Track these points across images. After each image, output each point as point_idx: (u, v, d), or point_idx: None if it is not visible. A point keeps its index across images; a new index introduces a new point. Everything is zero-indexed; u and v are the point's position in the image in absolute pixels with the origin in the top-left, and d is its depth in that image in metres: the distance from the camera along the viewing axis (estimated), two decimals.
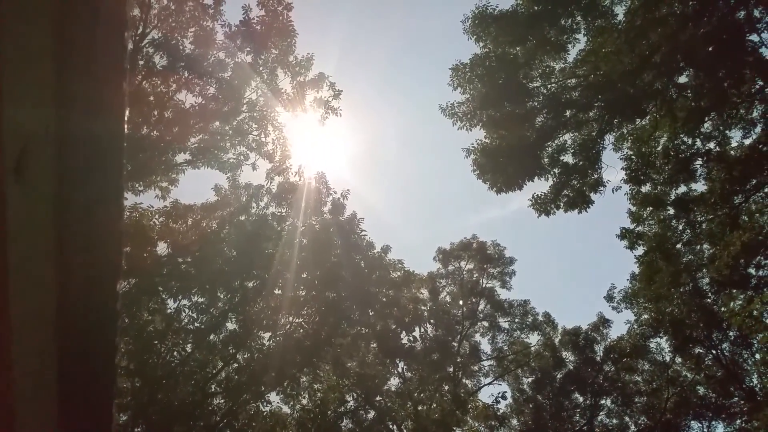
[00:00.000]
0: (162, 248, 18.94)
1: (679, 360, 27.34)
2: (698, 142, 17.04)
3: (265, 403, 20.53)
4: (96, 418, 1.74)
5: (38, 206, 1.64)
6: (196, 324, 18.70)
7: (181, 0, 16.98)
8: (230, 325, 19.41)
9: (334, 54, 44.12)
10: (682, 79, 15.37)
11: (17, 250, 1.56)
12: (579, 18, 15.37)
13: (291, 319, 20.37)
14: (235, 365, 20.10)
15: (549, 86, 16.10)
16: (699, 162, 17.22)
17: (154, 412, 17.34)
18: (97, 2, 1.49)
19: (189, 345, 18.83)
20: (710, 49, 14.03)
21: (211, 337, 19.25)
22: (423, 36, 48.30)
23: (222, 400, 19.80)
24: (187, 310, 18.55)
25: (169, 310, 18.81)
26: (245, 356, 20.06)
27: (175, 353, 18.48)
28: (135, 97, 17.03)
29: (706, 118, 16.32)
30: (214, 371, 19.58)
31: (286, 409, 22.06)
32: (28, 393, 1.61)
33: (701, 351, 26.09)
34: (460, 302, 29.96)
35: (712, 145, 17.17)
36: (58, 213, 1.66)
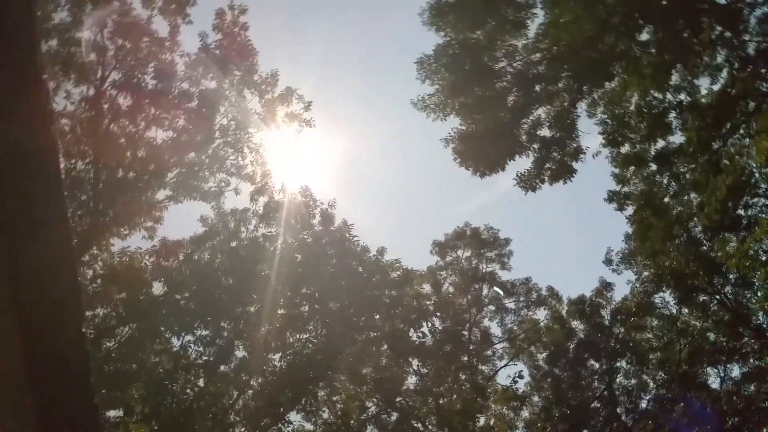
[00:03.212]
0: (157, 288, 18.78)
1: (685, 311, 27.53)
2: (669, 96, 17.15)
3: (286, 424, 20.40)
4: None
5: None
6: (205, 357, 18.56)
7: (136, 37, 16.84)
8: (239, 353, 19.31)
9: (313, 66, 43.97)
10: (644, 37, 15.47)
11: None
12: None
13: (298, 336, 20.28)
14: (251, 392, 19.97)
15: (515, 64, 16.12)
16: (673, 115, 17.32)
17: None
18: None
19: (201, 379, 18.69)
20: (665, 2, 14.17)
21: (222, 367, 19.12)
22: (397, 36, 47.96)
23: (243, 429, 19.68)
24: (193, 346, 18.43)
25: (174, 349, 18.64)
26: (259, 381, 19.93)
27: (188, 390, 18.33)
28: (105, 140, 16.86)
29: (673, 71, 16.44)
30: (231, 401, 19.45)
31: (308, 426, 21.97)
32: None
33: (705, 298, 26.28)
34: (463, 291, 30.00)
35: (682, 96, 17.27)
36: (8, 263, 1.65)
